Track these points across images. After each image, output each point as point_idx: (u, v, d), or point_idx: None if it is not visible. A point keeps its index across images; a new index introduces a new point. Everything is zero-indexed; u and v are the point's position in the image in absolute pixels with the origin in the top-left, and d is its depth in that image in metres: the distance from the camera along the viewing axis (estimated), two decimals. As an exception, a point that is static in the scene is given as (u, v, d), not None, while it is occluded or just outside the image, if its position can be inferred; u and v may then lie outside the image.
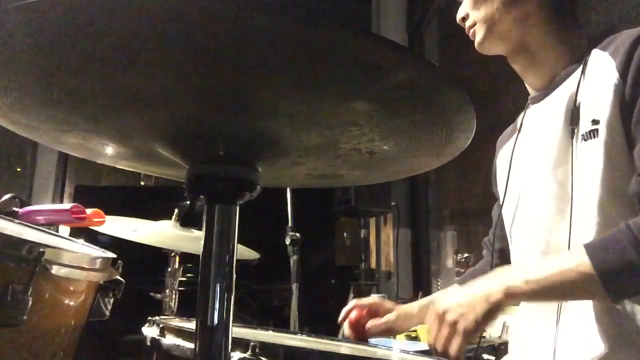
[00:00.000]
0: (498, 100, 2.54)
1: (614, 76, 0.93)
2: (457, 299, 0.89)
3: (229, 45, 0.39)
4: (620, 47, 0.94)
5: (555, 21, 1.07)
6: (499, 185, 1.26)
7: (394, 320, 1.12)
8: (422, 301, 1.31)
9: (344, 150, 0.56)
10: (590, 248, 0.84)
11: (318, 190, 1.78)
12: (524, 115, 1.19)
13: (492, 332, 1.71)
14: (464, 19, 1.12)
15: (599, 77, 0.96)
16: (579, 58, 1.03)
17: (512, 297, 0.86)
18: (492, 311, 0.85)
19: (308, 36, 0.39)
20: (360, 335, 1.09)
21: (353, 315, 1.13)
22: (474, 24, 1.09)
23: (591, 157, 0.94)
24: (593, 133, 0.94)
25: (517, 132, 1.19)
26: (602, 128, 0.92)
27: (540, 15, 1.06)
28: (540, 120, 1.11)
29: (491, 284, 0.88)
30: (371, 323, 1.12)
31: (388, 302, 1.22)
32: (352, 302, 1.20)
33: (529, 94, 1.17)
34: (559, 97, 1.04)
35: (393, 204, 2.80)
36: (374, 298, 1.26)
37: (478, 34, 1.09)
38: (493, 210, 1.37)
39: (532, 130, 1.14)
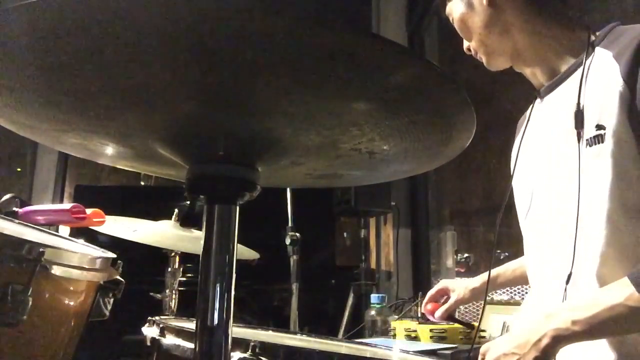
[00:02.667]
0: (498, 100, 2.54)
1: (618, 83, 0.90)
2: (507, 347, 0.87)
3: (229, 45, 0.39)
4: (624, 51, 0.92)
5: (539, 20, 1.07)
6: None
7: (454, 303, 1.39)
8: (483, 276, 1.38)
9: (344, 150, 0.56)
10: (635, 278, 0.81)
11: (318, 190, 1.78)
12: (532, 106, 1.19)
13: (492, 332, 1.71)
14: (469, 49, 1.18)
15: (602, 80, 0.94)
16: (581, 50, 1.01)
17: (561, 341, 0.84)
18: (542, 358, 0.83)
19: (308, 36, 0.39)
20: (437, 320, 1.43)
21: (429, 307, 1.42)
22: (476, 51, 1.16)
23: (597, 165, 0.92)
24: (598, 139, 0.92)
25: (525, 124, 1.19)
26: (609, 136, 0.91)
27: (521, 21, 1.08)
28: (546, 118, 1.11)
29: (539, 328, 0.85)
30: (437, 314, 1.40)
31: (453, 285, 1.43)
32: (429, 294, 1.45)
33: (534, 89, 1.17)
34: (563, 96, 1.03)
35: (393, 204, 2.80)
36: (441, 284, 1.44)
37: (482, 59, 1.16)
38: None
39: (539, 126, 1.14)
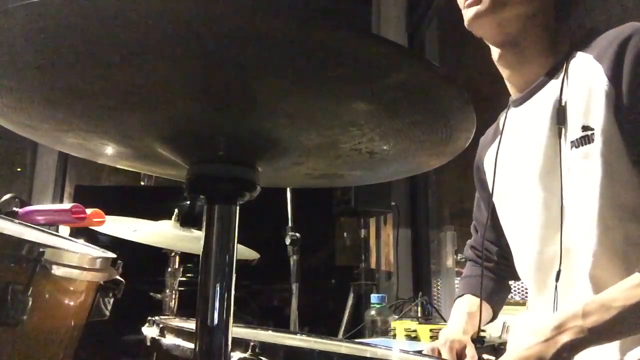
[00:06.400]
0: (498, 100, 2.54)
1: (603, 82, 0.90)
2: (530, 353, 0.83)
3: (229, 46, 0.39)
4: (606, 51, 0.92)
5: (552, 25, 1.05)
6: (488, 190, 1.23)
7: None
8: (464, 317, 1.24)
9: (344, 150, 0.56)
10: None
11: (318, 190, 1.78)
12: (505, 118, 1.16)
13: (492, 332, 1.71)
14: None
15: (584, 81, 0.94)
16: (561, 59, 1.01)
17: (578, 351, 0.81)
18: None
19: (308, 36, 0.39)
20: None
21: None
22: None
23: (586, 165, 0.92)
24: (585, 140, 0.92)
25: (499, 136, 1.16)
26: (598, 136, 0.90)
27: (543, 17, 1.03)
28: (524, 124, 1.08)
29: (553, 341, 0.82)
30: None
31: (458, 339, 1.18)
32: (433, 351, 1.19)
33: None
34: (542, 100, 1.02)
35: (393, 204, 2.80)
36: (444, 339, 1.19)
37: (479, 6, 1.00)
38: (476, 212, 1.36)
39: (515, 134, 1.12)
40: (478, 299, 1.26)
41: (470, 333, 1.22)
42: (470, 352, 1.15)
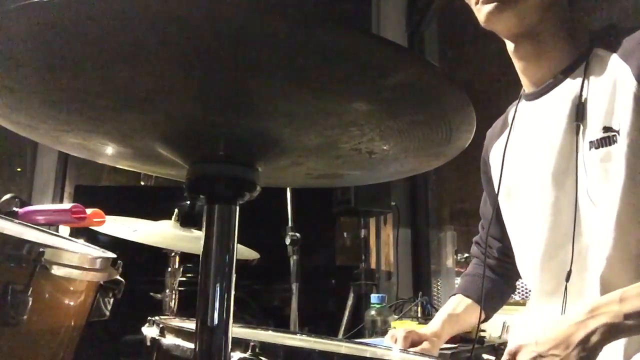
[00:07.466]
0: (498, 100, 2.54)
1: (631, 84, 0.88)
2: (543, 347, 0.80)
3: (229, 46, 0.39)
4: (634, 51, 0.90)
5: (567, 14, 1.01)
6: (493, 184, 1.22)
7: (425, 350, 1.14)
8: (442, 316, 1.25)
9: (344, 150, 0.56)
10: None
11: (318, 190, 1.78)
12: (515, 111, 1.13)
13: (492, 332, 1.71)
14: None
15: (607, 80, 0.92)
16: (580, 55, 0.99)
17: (612, 337, 0.78)
18: (589, 358, 0.78)
19: (308, 36, 0.39)
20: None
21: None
22: None
23: (606, 167, 0.90)
24: (606, 141, 0.90)
25: (508, 129, 1.13)
26: (622, 138, 0.88)
27: (560, 5, 1.00)
28: (537, 119, 1.06)
29: (584, 325, 0.78)
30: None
31: (418, 333, 1.18)
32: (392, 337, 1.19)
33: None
34: (560, 96, 1.00)
35: (393, 204, 2.80)
36: (409, 329, 1.20)
37: (497, 3, 0.95)
38: (482, 208, 1.34)
39: (527, 129, 1.09)
40: (468, 300, 1.27)
41: (443, 336, 1.22)
42: (426, 346, 1.15)
